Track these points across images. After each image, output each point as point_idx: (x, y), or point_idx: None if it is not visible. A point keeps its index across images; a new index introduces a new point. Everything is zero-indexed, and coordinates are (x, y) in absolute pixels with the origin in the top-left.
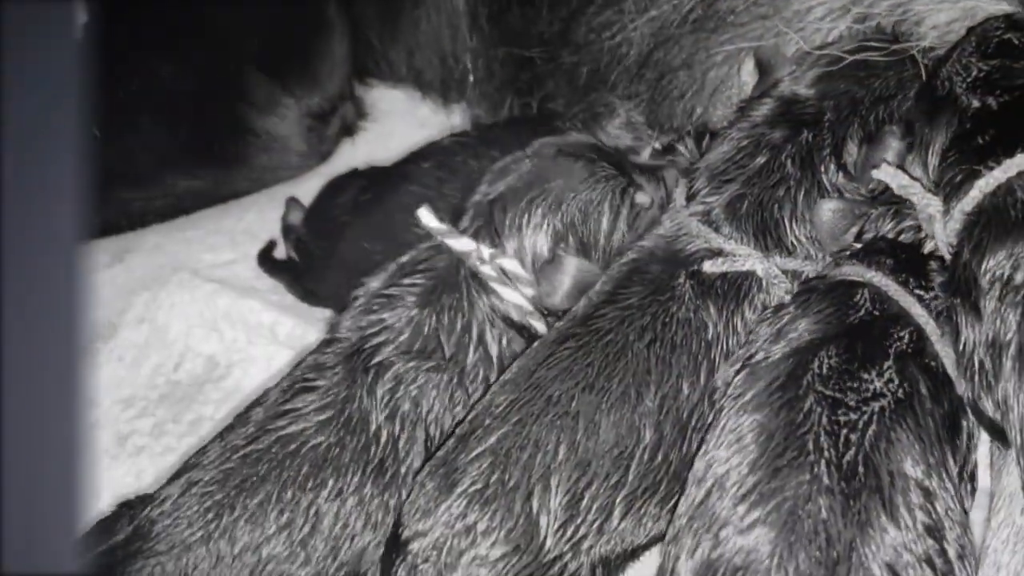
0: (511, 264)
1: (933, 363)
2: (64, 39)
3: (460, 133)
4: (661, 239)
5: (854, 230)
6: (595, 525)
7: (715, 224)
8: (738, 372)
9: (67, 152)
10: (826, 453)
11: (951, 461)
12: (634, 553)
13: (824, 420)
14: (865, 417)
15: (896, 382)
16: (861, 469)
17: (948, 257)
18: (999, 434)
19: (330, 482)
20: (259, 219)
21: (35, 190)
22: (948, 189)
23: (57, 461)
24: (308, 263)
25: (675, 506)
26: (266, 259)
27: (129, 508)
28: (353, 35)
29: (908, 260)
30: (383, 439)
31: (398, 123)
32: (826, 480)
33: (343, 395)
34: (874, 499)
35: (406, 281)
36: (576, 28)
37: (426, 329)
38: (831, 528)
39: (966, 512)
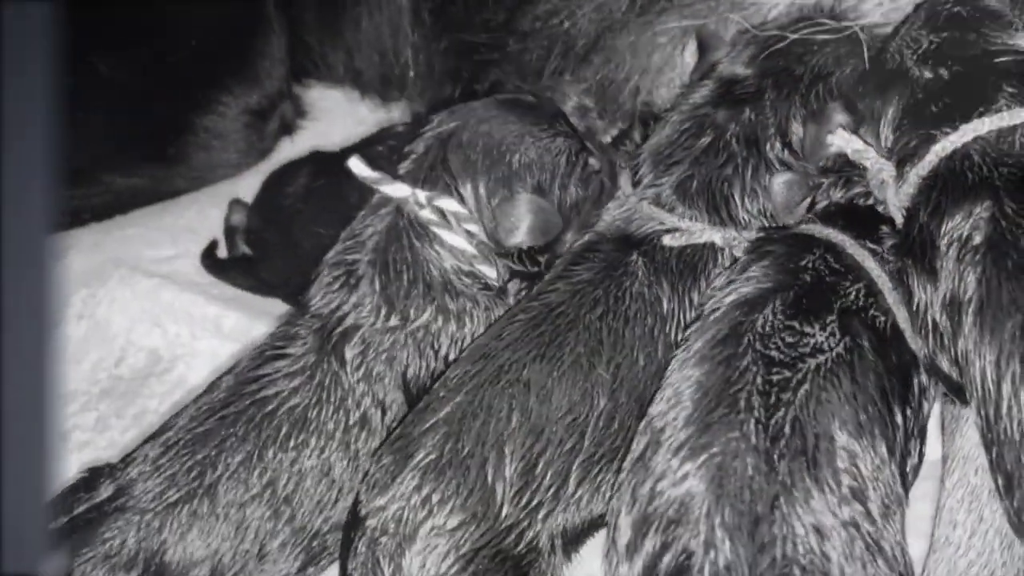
0: (450, 204)
1: (882, 318)
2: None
3: (411, 119)
4: (613, 223)
5: (807, 202)
6: (551, 492)
7: (667, 205)
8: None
9: (37, 143)
10: (756, 412)
11: (895, 416)
12: (593, 525)
13: (758, 379)
14: (799, 375)
15: (838, 336)
16: (788, 430)
17: (900, 221)
18: (957, 390)
19: (312, 440)
20: (199, 216)
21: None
22: (902, 154)
23: (27, 462)
24: (262, 253)
25: None
26: (209, 259)
27: (98, 473)
28: (291, 36)
29: (861, 219)
30: (359, 398)
31: (337, 121)
32: (753, 439)
33: (313, 360)
34: (799, 461)
35: (354, 244)
36: (522, 16)
37: (378, 288)
38: (755, 486)
39: (907, 467)
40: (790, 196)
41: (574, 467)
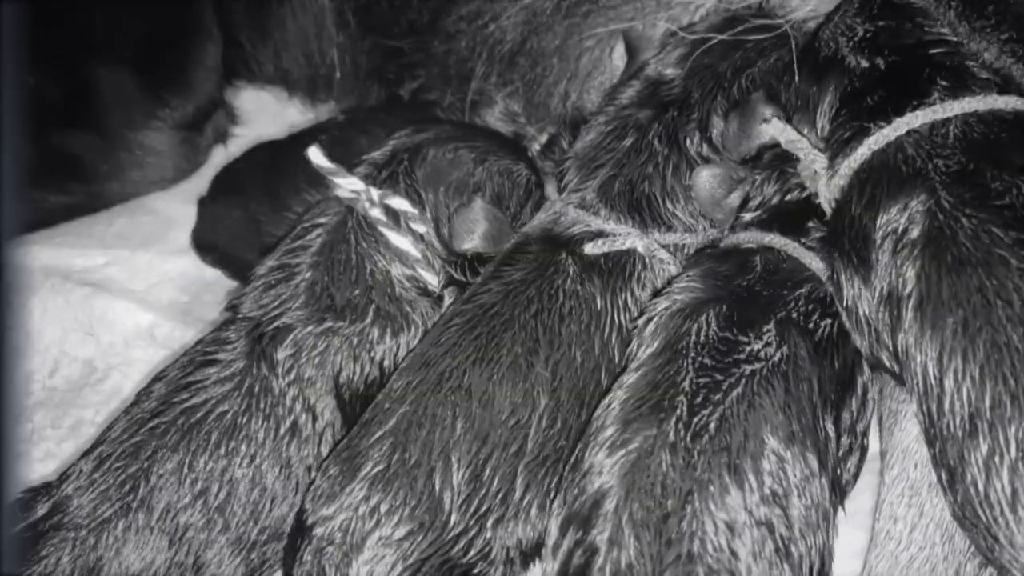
0: (401, 203)
1: (825, 322)
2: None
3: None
4: (538, 227)
5: (737, 195)
6: (498, 497)
7: (591, 208)
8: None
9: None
10: (678, 411)
11: (828, 429)
12: None
13: (686, 382)
14: (732, 379)
15: (775, 346)
16: (713, 428)
17: (829, 213)
18: (902, 381)
19: (242, 448)
20: (130, 224)
21: None
22: (836, 146)
23: None
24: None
25: None
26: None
27: (36, 492)
28: (223, 37)
29: (796, 218)
30: (290, 404)
31: (267, 126)
32: (671, 436)
33: (242, 365)
34: (719, 458)
35: (300, 244)
36: (446, 17)
37: (319, 290)
38: (669, 482)
39: (841, 481)
40: (714, 189)
41: (520, 470)
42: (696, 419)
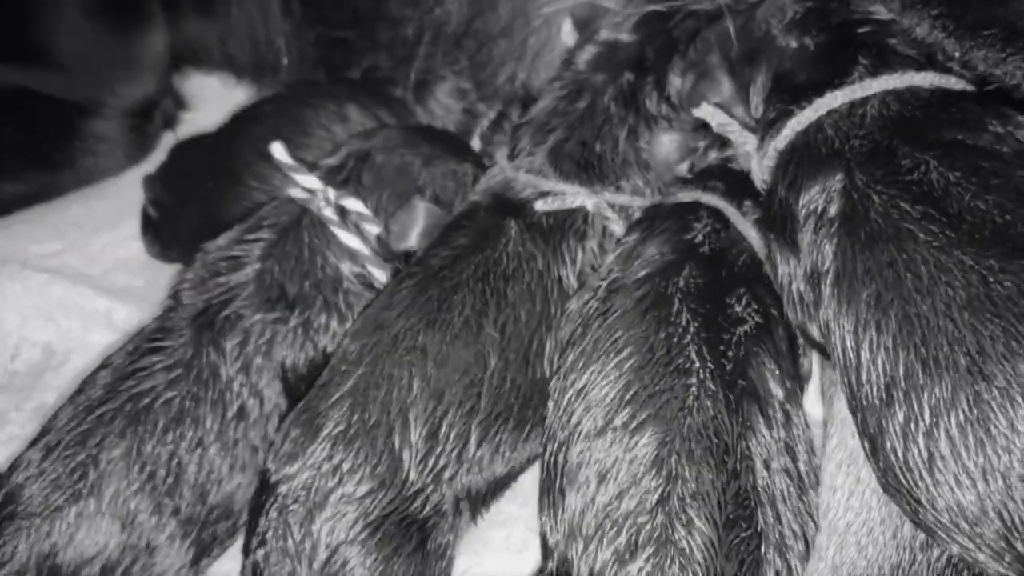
0: (353, 204)
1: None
2: None
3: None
4: (488, 193)
5: (686, 163)
6: (454, 454)
7: (541, 171)
8: (593, 296)
9: None
10: (710, 363)
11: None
12: (499, 486)
13: (702, 333)
14: (736, 336)
15: (754, 307)
16: (741, 381)
17: (763, 193)
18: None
19: (188, 433)
20: (84, 210)
21: None
22: (764, 128)
23: None
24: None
25: (528, 435)
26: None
27: None
28: (169, 25)
29: (737, 185)
30: (237, 389)
31: (214, 110)
32: (711, 385)
33: (190, 353)
34: (752, 405)
35: (251, 237)
36: (390, 3)
37: (269, 280)
38: (720, 425)
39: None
40: (671, 154)
41: (474, 427)
42: (724, 371)
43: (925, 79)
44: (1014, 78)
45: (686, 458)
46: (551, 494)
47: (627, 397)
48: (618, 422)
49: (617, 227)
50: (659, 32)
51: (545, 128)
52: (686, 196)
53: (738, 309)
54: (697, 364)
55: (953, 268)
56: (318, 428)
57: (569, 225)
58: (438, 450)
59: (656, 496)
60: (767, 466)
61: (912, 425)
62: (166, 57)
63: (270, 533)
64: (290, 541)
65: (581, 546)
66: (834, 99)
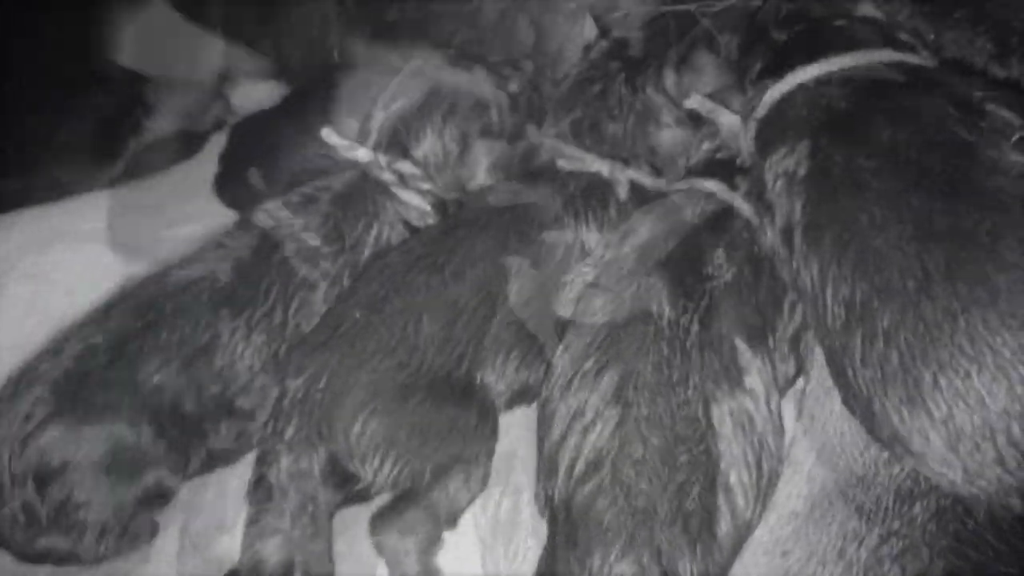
0: (406, 167)
1: (757, 250)
2: None
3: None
4: (515, 157)
5: (684, 158)
6: (471, 345)
7: (565, 139)
8: (587, 272)
9: None
10: (667, 314)
11: (768, 333)
12: (523, 394)
13: (665, 292)
14: (699, 292)
15: (725, 267)
16: (695, 329)
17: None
18: None
19: (224, 311)
20: (131, 194)
21: None
22: (746, 107)
23: None
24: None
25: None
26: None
27: None
28: (226, 31)
29: (730, 170)
30: (274, 295)
31: None
32: (667, 331)
33: (248, 252)
34: (707, 351)
35: (322, 184)
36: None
37: (332, 221)
38: (671, 362)
39: (778, 381)
40: (673, 148)
41: (488, 329)
42: (682, 320)
43: (883, 56)
44: (982, 59)
45: (641, 388)
46: (539, 444)
47: (595, 346)
48: (585, 367)
49: (623, 192)
50: (661, 28)
51: (566, 105)
52: (683, 184)
53: (710, 269)
54: (655, 314)
55: (902, 208)
56: (335, 328)
57: (592, 191)
58: (455, 341)
59: (615, 422)
60: (719, 401)
61: (868, 343)
62: (221, 64)
63: (295, 419)
64: (315, 425)
65: (556, 481)
66: (805, 73)
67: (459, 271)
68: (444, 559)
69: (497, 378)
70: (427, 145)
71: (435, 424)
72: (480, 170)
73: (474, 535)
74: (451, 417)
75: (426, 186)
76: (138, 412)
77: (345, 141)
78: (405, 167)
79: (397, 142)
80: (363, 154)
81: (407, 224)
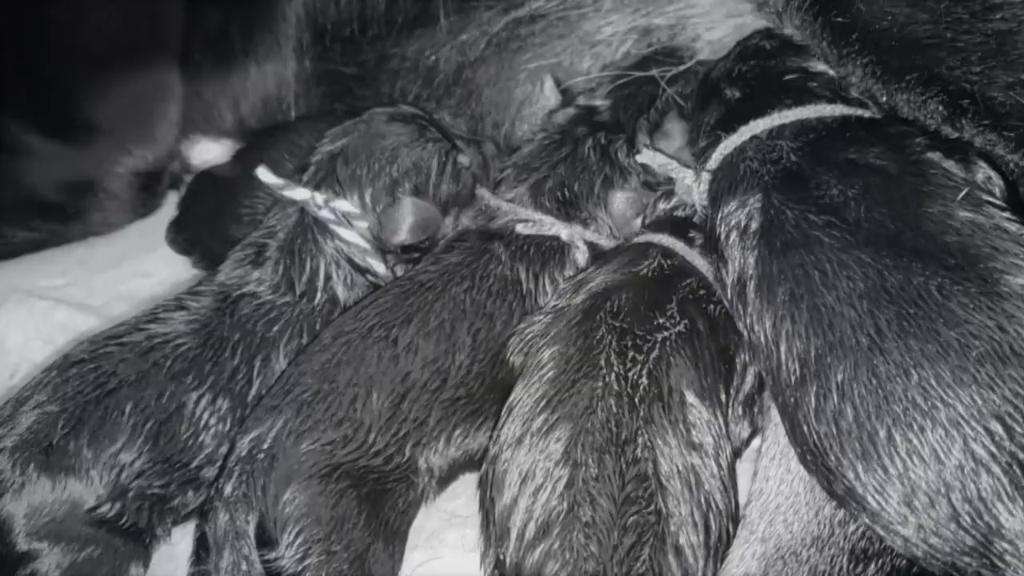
0: (344, 204)
1: (712, 307)
2: None
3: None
4: (474, 221)
5: (639, 219)
6: (415, 425)
7: (523, 202)
8: (539, 321)
9: None
10: (615, 367)
11: (722, 390)
12: (461, 467)
13: (614, 343)
14: (650, 343)
15: (677, 319)
16: (644, 382)
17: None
18: None
19: (188, 378)
20: (88, 252)
21: None
22: (699, 156)
23: None
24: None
25: (481, 426)
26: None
27: None
28: (185, 90)
29: (685, 226)
30: (238, 356)
31: None
32: (615, 386)
33: (210, 314)
34: (656, 404)
35: (267, 231)
36: (392, 59)
37: (281, 269)
38: (620, 419)
39: (728, 436)
40: (626, 210)
41: (435, 405)
42: (630, 374)
43: (832, 110)
44: (934, 121)
45: (589, 448)
46: (484, 505)
47: (543, 404)
48: (535, 427)
49: (582, 257)
50: (627, 97)
51: (529, 167)
52: (640, 239)
53: (661, 320)
54: (604, 369)
55: (853, 264)
56: (288, 391)
57: (550, 257)
58: (400, 419)
59: (564, 483)
60: (669, 458)
61: (822, 398)
62: (179, 124)
63: (235, 477)
64: (252, 486)
65: (507, 545)
66: (756, 126)
67: (412, 345)
68: None
69: (440, 459)
70: (357, 188)
71: (348, 520)
72: (404, 227)
73: None
74: (366, 517)
75: (364, 224)
76: (106, 490)
77: (281, 180)
78: (342, 205)
79: (335, 181)
80: (300, 193)
81: (351, 262)
